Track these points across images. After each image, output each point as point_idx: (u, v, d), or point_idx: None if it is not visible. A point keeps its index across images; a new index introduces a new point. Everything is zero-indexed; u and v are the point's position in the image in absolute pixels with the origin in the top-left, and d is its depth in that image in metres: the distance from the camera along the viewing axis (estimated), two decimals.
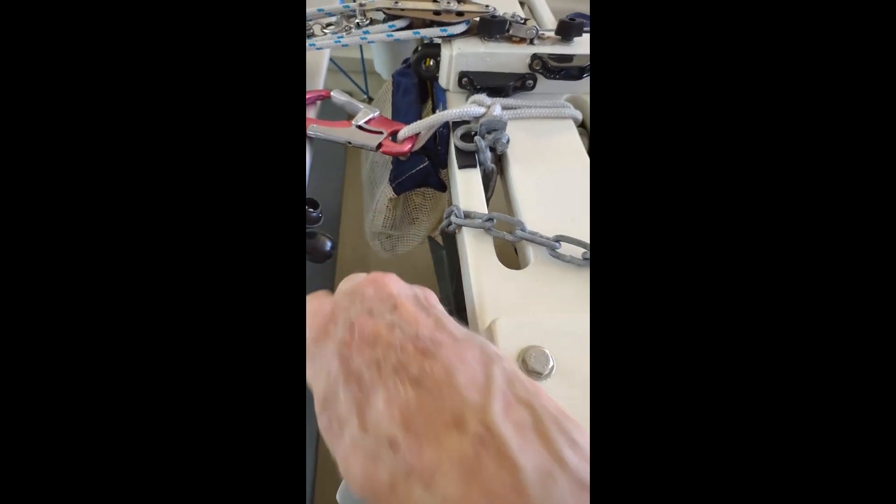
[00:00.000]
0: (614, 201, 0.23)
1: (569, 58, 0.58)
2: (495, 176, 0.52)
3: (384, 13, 0.57)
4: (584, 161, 0.52)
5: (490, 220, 0.43)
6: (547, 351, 0.33)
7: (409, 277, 0.29)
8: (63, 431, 0.20)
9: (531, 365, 0.32)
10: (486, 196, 0.54)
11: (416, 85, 0.66)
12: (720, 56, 0.22)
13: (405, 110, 0.62)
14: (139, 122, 0.23)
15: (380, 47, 1.10)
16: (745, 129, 0.22)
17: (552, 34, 0.58)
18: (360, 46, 1.10)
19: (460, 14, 0.56)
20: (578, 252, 0.41)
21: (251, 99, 0.24)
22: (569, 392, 0.31)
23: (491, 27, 0.56)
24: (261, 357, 0.22)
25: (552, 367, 0.32)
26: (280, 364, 0.23)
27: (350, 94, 0.59)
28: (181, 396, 0.21)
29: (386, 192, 0.62)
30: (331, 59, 1.22)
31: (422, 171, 0.58)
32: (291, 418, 0.22)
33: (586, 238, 0.41)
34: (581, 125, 0.61)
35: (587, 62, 0.57)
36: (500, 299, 0.39)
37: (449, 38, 0.57)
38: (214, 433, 0.21)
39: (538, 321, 0.35)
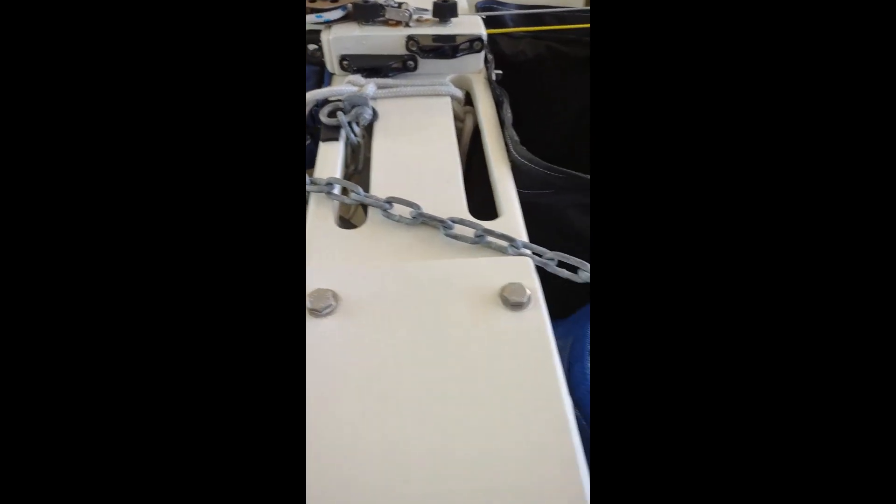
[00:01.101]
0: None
1: (451, 38, 0.60)
2: (361, 148, 0.55)
3: None
4: (448, 135, 0.54)
5: (329, 185, 0.46)
6: (334, 292, 0.35)
7: None
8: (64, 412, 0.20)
9: (311, 304, 0.34)
10: (355, 167, 0.57)
11: (317, 72, 0.69)
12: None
13: None
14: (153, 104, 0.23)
15: None
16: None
17: (430, 17, 0.61)
18: None
19: (334, 0, 0.59)
20: (408, 212, 0.43)
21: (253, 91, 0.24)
22: (348, 326, 0.34)
23: (365, 12, 0.59)
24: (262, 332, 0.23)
25: (330, 305, 0.34)
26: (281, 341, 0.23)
27: None
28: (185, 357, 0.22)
29: None
30: None
31: (306, 150, 0.60)
32: (291, 382, 0.23)
33: (419, 200, 0.44)
34: (468, 102, 0.64)
35: (464, 41, 0.60)
36: (330, 255, 0.41)
37: (328, 24, 0.60)
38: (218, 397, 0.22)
39: (337, 270, 0.38)
